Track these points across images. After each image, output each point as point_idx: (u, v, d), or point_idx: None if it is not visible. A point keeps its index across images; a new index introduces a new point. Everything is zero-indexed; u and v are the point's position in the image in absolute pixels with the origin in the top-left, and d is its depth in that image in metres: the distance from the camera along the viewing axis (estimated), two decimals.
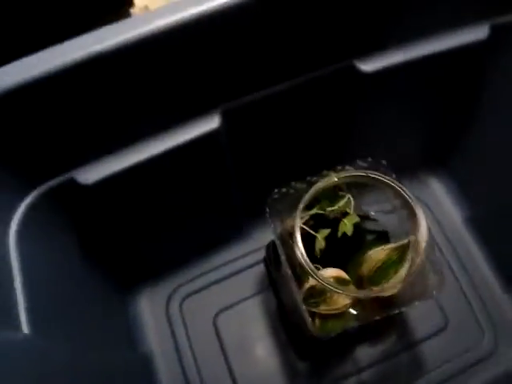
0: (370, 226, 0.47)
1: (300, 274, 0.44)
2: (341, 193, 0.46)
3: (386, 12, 0.36)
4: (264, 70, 0.35)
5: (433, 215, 0.61)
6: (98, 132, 0.33)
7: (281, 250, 0.44)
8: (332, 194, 0.46)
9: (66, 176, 0.34)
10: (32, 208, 0.34)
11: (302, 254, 0.39)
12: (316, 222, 0.46)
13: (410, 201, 0.39)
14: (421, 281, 0.40)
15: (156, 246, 0.53)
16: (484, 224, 0.59)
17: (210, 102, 0.35)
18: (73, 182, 0.34)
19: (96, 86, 0.30)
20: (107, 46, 0.27)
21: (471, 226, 0.60)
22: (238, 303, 0.56)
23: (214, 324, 0.56)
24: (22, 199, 0.33)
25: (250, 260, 0.58)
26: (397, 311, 0.40)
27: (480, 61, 0.42)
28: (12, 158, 0.31)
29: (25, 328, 0.30)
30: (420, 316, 0.57)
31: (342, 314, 0.45)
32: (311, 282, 0.43)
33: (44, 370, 0.29)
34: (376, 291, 0.42)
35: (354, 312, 0.41)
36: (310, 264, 0.39)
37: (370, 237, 0.47)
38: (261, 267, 0.58)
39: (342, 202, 0.45)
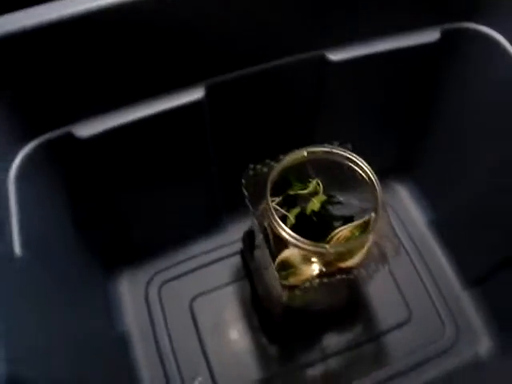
0: (336, 211, 0.52)
1: (274, 249, 0.48)
2: (311, 179, 0.51)
3: (352, 12, 0.42)
4: (245, 51, 0.41)
5: (399, 218, 0.66)
6: (94, 91, 0.38)
7: (257, 228, 0.48)
8: (303, 177, 0.50)
9: (64, 129, 0.38)
10: (30, 158, 0.38)
11: (278, 222, 0.43)
12: (287, 205, 0.51)
13: (371, 174, 0.44)
14: (377, 249, 0.45)
15: (139, 229, 0.57)
16: (445, 226, 0.64)
17: (196, 76, 0.40)
18: (69, 136, 0.38)
19: (92, 44, 0.35)
20: (103, 5, 0.32)
21: (434, 229, 0.65)
22: (213, 290, 0.60)
23: (190, 308, 0.59)
24: (20, 148, 0.37)
25: (227, 251, 0.62)
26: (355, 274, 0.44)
27: (432, 62, 0.48)
28: (13, 108, 0.36)
29: (18, 252, 0.33)
30: (385, 309, 0.60)
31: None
32: (283, 255, 0.47)
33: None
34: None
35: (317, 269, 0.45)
36: (287, 229, 0.43)
37: (336, 223, 0.52)
38: (237, 258, 0.62)
39: (311, 186, 0.50)
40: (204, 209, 0.60)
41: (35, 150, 0.38)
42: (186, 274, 0.60)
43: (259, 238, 0.49)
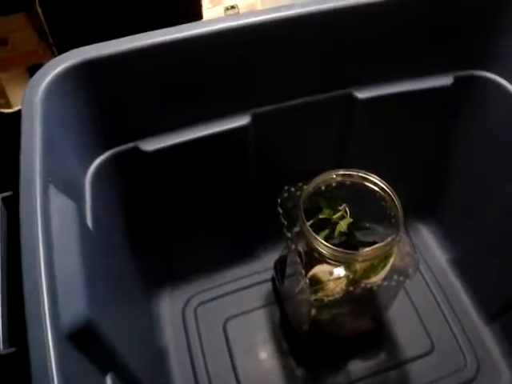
0: (361, 237, 0.57)
1: (305, 265, 0.52)
2: (340, 206, 0.57)
3: (378, 57, 0.50)
4: (283, 88, 0.49)
5: (421, 256, 0.70)
6: (160, 113, 0.45)
7: (290, 249, 0.53)
8: (332, 204, 0.56)
9: (132, 144, 0.46)
10: (103, 166, 0.45)
11: (312, 234, 0.48)
12: (318, 229, 0.56)
13: (393, 196, 0.49)
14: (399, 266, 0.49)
15: (182, 253, 0.63)
16: (465, 264, 0.67)
17: (244, 105, 0.48)
18: (136, 149, 0.45)
19: (162, 74, 0.43)
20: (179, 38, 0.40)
21: (455, 266, 0.68)
22: (246, 313, 0.64)
23: (224, 329, 0.63)
24: (95, 158, 0.45)
25: (259, 278, 0.67)
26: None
27: (447, 105, 0.54)
28: (94, 122, 0.43)
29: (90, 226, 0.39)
30: (408, 340, 0.63)
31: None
32: (313, 271, 0.52)
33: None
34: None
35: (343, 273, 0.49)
36: (322, 240, 0.48)
37: (362, 248, 0.56)
38: (268, 285, 0.66)
39: (340, 211, 0.55)
40: (240, 236, 0.65)
41: (107, 160, 0.45)
42: (220, 296, 0.65)
43: (292, 257, 0.54)
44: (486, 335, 0.63)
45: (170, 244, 0.62)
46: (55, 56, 0.38)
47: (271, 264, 0.65)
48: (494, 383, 0.60)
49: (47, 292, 0.27)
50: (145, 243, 0.58)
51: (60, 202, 0.32)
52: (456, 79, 0.52)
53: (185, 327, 0.63)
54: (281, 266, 0.63)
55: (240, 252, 0.67)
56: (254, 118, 0.49)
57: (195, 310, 0.64)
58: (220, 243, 0.65)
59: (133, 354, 0.40)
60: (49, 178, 0.32)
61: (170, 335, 0.62)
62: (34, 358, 0.25)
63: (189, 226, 0.60)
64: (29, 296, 0.27)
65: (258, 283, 0.66)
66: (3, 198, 0.33)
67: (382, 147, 0.57)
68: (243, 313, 0.64)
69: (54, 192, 0.32)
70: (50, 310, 0.26)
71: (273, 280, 0.66)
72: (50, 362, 0.25)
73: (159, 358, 0.58)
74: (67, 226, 0.31)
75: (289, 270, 0.59)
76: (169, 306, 0.64)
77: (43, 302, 0.27)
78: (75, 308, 0.28)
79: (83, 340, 0.29)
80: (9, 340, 0.28)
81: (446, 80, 0.52)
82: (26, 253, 0.29)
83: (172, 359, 0.60)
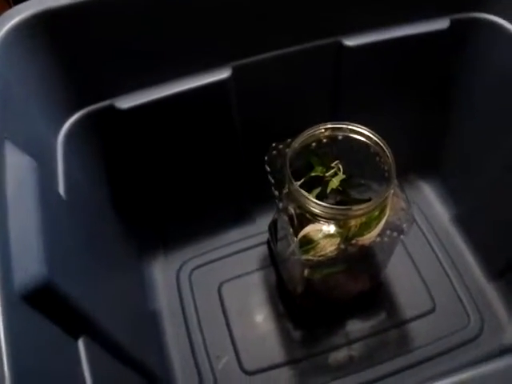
0: (356, 194, 0.54)
1: (296, 229, 0.50)
2: (332, 164, 0.54)
3: (366, 3, 0.46)
4: (266, 37, 0.46)
5: (422, 214, 0.67)
6: (134, 68, 0.43)
7: (281, 209, 0.51)
8: (325, 161, 0.54)
9: (106, 102, 0.43)
10: (76, 125, 0.43)
11: (302, 193, 0.46)
12: (309, 188, 0.54)
13: (386, 150, 0.46)
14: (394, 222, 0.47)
15: (172, 217, 0.61)
16: (468, 221, 0.65)
17: (223, 58, 0.45)
18: (111, 107, 0.43)
19: (135, 26, 0.40)
20: None
21: (457, 223, 0.66)
22: (241, 276, 0.62)
23: (219, 292, 0.61)
24: (68, 118, 0.43)
25: (254, 241, 0.65)
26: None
27: (443, 50, 0.51)
28: (65, 78, 0.41)
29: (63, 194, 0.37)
30: (409, 299, 0.61)
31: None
32: (305, 230, 0.50)
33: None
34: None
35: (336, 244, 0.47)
36: (313, 198, 0.45)
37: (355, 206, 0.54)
38: (264, 248, 0.65)
39: (332, 168, 0.53)
40: (233, 199, 0.64)
41: (80, 119, 0.43)
42: (215, 260, 0.64)
43: (282, 219, 0.52)
44: (490, 293, 0.61)
45: (161, 209, 0.60)
46: (11, 7, 0.36)
47: (265, 227, 0.63)
48: (497, 341, 0.58)
49: None
50: (133, 209, 0.57)
51: (18, 160, 0.30)
52: (452, 22, 0.49)
53: (179, 291, 0.61)
54: (275, 228, 0.61)
55: (234, 215, 0.66)
56: (235, 70, 0.46)
57: (190, 274, 0.63)
58: (212, 207, 0.63)
59: (113, 318, 0.39)
60: (4, 134, 0.30)
61: (164, 300, 0.61)
62: None
63: (177, 190, 0.58)
64: None
65: (254, 246, 0.65)
66: None
67: (376, 100, 0.54)
68: (238, 276, 0.62)
69: (10, 149, 0.30)
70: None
71: (268, 243, 0.65)
72: None
73: (151, 322, 0.57)
74: (25, 184, 0.29)
75: (280, 232, 0.57)
76: (162, 271, 0.63)
77: None
78: (31, 268, 0.27)
79: (42, 301, 0.27)
80: None
81: (441, 24, 0.49)
82: None
83: (166, 324, 0.59)
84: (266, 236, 0.65)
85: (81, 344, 0.32)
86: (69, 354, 0.30)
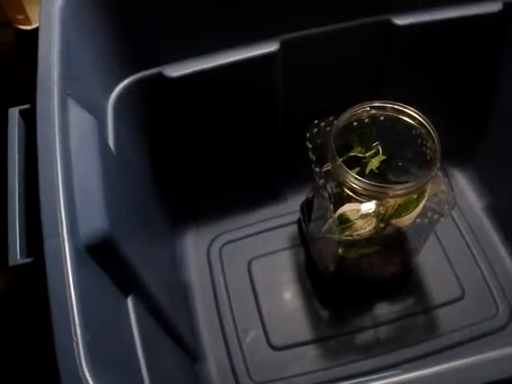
0: (393, 177, 0.54)
1: (333, 206, 0.50)
2: (372, 145, 0.54)
3: None
4: (316, 12, 0.45)
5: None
6: (184, 37, 0.43)
7: (321, 181, 0.51)
8: (365, 141, 0.53)
9: (156, 70, 0.44)
10: (125, 91, 0.43)
11: (345, 169, 0.46)
12: (348, 167, 0.54)
13: (432, 132, 0.46)
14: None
15: (207, 191, 0.62)
16: (502, 211, 0.64)
17: (273, 31, 0.45)
18: (160, 75, 0.44)
19: None
20: None
21: (490, 213, 0.65)
22: (271, 253, 0.63)
23: (248, 268, 0.62)
24: (119, 82, 0.43)
25: (285, 220, 0.65)
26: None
27: (493, 34, 0.50)
28: (117, 45, 0.41)
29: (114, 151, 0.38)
30: (438, 286, 0.61)
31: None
32: (342, 209, 0.50)
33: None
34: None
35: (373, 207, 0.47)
36: (354, 174, 0.45)
37: None
38: (294, 227, 0.65)
39: (372, 149, 0.53)
40: (267, 177, 0.64)
41: (130, 85, 0.43)
42: (246, 237, 0.64)
43: (322, 196, 0.51)
44: None
45: (197, 182, 0.60)
46: None
47: (297, 207, 0.64)
48: None
49: (64, 203, 0.26)
50: (170, 179, 0.57)
51: (80, 116, 0.30)
52: (506, 5, 0.48)
53: (209, 265, 0.62)
54: (307, 207, 0.61)
55: (267, 194, 0.66)
56: (283, 44, 0.46)
57: (220, 248, 0.63)
58: (246, 184, 0.63)
59: (154, 282, 0.39)
60: (67, 90, 0.31)
61: (194, 272, 0.62)
62: (49, 267, 0.24)
63: (215, 164, 0.59)
64: (45, 205, 0.26)
65: (284, 225, 0.65)
66: (21, 111, 0.32)
67: (420, 82, 0.53)
68: (268, 253, 0.63)
69: (73, 105, 0.30)
70: (67, 220, 0.26)
71: (299, 222, 0.65)
72: (67, 271, 0.24)
73: (182, 293, 0.58)
74: (87, 140, 0.30)
75: (316, 211, 0.57)
76: (194, 244, 0.63)
77: (60, 211, 0.26)
78: (94, 221, 0.27)
79: (103, 255, 0.28)
80: (26, 250, 0.27)
81: (493, 6, 0.48)
82: (43, 165, 0.28)
83: (196, 296, 0.60)
84: (296, 215, 0.65)
85: (130, 302, 0.33)
86: (120, 309, 0.31)
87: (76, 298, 0.23)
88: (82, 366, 0.23)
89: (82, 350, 0.23)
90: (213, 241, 0.64)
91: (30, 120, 0.31)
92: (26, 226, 0.28)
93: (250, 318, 0.59)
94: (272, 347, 0.58)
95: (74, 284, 0.24)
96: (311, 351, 0.58)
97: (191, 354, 0.52)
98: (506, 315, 0.59)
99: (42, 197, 0.26)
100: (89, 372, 0.23)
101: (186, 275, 0.61)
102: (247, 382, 0.56)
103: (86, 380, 0.22)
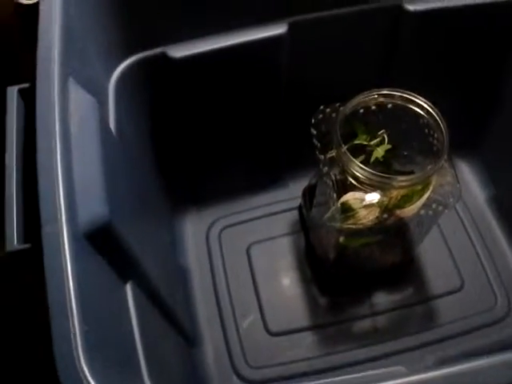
0: (398, 166, 0.53)
1: (336, 194, 0.50)
2: (378, 133, 0.53)
3: None
4: None
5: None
6: (188, 16, 0.42)
7: (325, 169, 0.50)
8: (370, 129, 0.52)
9: (159, 50, 0.42)
10: (127, 70, 0.42)
11: (349, 157, 0.45)
12: (353, 155, 0.53)
13: (441, 123, 0.45)
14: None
15: (207, 175, 0.61)
16: (504, 203, 0.64)
17: (280, 13, 0.44)
18: (164, 55, 0.42)
19: None
20: None
21: (493, 204, 0.65)
22: (270, 239, 0.62)
23: (247, 253, 0.61)
24: (121, 61, 0.42)
25: (285, 206, 0.65)
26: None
27: (506, 26, 0.49)
28: (121, 23, 0.40)
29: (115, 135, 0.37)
30: (437, 276, 0.61)
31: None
32: (345, 197, 0.49)
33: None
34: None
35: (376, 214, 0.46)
36: (359, 163, 0.44)
37: None
38: (294, 213, 0.64)
39: (377, 137, 0.52)
40: (268, 162, 0.63)
41: (132, 65, 0.42)
42: (245, 222, 0.63)
43: (325, 184, 0.51)
44: None
45: (197, 166, 0.59)
46: None
47: (298, 193, 0.63)
48: None
49: (63, 188, 0.25)
50: (171, 162, 0.56)
51: (80, 97, 0.29)
52: None
53: (208, 249, 0.62)
54: (309, 193, 0.61)
55: (267, 179, 0.65)
56: (291, 27, 0.45)
57: (220, 233, 0.63)
58: (247, 168, 0.63)
59: (153, 267, 0.39)
60: (69, 70, 0.30)
61: (193, 256, 0.61)
62: (47, 254, 0.24)
63: (216, 147, 0.58)
64: (44, 190, 0.25)
65: (284, 211, 0.64)
66: (20, 90, 0.31)
67: (428, 71, 0.52)
68: (268, 239, 0.62)
69: (73, 85, 0.29)
70: (65, 205, 0.25)
71: (300, 209, 0.64)
72: (65, 258, 0.24)
73: (180, 277, 0.58)
74: (87, 123, 0.29)
75: (318, 198, 0.57)
76: (193, 228, 0.63)
77: (58, 196, 0.25)
78: (94, 207, 0.26)
79: (102, 241, 0.27)
80: (24, 236, 0.26)
81: None
82: (42, 148, 0.27)
83: (194, 280, 0.60)
84: (297, 201, 0.64)
85: (128, 289, 0.32)
86: (119, 296, 0.30)
87: (74, 285, 0.23)
88: (79, 356, 0.22)
89: (79, 341, 0.22)
90: (212, 224, 0.63)
91: (29, 100, 0.30)
92: (24, 210, 0.27)
93: (248, 303, 0.59)
94: (269, 332, 0.57)
95: (71, 271, 0.24)
96: (308, 338, 0.58)
97: (188, 338, 0.51)
98: (505, 307, 0.59)
99: (41, 181, 0.25)
100: (86, 362, 0.23)
101: (184, 259, 0.60)
102: (243, 367, 0.56)
103: (83, 372, 0.22)
